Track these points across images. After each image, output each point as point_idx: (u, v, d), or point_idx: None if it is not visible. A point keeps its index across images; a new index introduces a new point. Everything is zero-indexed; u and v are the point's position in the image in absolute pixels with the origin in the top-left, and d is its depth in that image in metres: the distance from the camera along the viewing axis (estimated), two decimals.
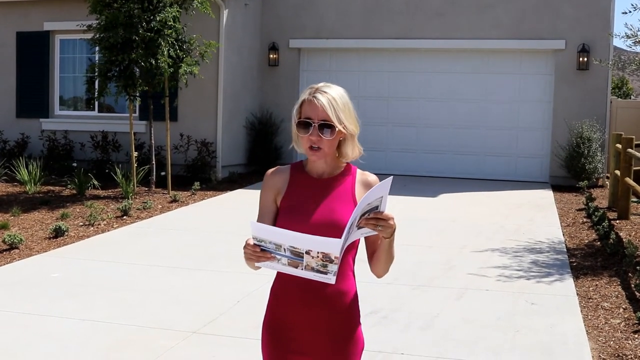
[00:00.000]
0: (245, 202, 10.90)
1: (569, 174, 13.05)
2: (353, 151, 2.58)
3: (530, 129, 13.86)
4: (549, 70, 13.66)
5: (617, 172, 10.30)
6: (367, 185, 2.58)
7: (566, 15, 13.32)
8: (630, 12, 8.69)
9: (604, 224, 8.69)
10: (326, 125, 2.46)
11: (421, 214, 10.13)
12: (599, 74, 13.02)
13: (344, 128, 2.48)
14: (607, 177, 12.78)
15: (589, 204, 10.31)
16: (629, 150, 9.78)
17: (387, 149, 14.49)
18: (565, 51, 13.35)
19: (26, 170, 11.53)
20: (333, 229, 2.43)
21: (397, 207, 10.51)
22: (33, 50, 14.20)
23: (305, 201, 2.54)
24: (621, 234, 8.65)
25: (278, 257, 2.26)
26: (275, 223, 2.56)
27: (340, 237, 2.23)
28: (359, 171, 2.64)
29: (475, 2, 13.71)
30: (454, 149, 14.18)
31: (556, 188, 12.84)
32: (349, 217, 2.30)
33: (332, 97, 2.48)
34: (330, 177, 2.59)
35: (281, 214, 2.56)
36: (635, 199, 10.38)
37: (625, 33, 8.50)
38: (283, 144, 14.41)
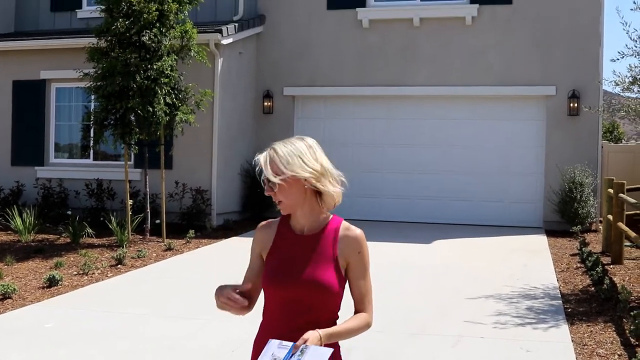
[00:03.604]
0: (239, 250, 10.89)
1: (562, 219, 13.12)
2: (328, 197, 2.57)
3: (523, 174, 13.96)
4: (540, 115, 13.82)
5: (610, 216, 10.36)
6: (349, 242, 2.58)
7: (556, 61, 13.53)
8: (617, 59, 8.84)
9: (597, 269, 8.71)
10: (269, 180, 2.52)
11: (415, 261, 10.14)
12: (590, 119, 13.18)
13: (290, 177, 2.49)
14: (601, 222, 12.84)
15: (583, 249, 10.34)
16: (621, 195, 9.86)
17: (382, 196, 14.55)
18: (556, 97, 13.53)
19: (20, 219, 11.53)
20: (314, 291, 2.49)
21: (391, 253, 10.53)
22: (29, 98, 14.33)
23: (286, 261, 2.57)
24: (615, 279, 8.67)
25: None
26: (260, 278, 2.64)
27: (321, 299, 2.40)
28: (343, 225, 2.63)
29: (467, 49, 13.93)
30: (447, 195, 14.24)
31: (550, 233, 12.88)
32: (330, 279, 2.39)
33: (273, 150, 2.53)
34: (313, 233, 2.61)
35: (264, 274, 2.62)
36: (628, 243, 10.43)
37: (614, 81, 8.64)
38: None
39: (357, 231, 2.63)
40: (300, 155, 2.52)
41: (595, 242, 11.71)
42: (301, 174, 2.50)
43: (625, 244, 9.97)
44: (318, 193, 2.57)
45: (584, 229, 12.84)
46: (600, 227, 12.53)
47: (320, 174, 2.54)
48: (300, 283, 2.51)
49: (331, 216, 2.66)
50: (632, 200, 9.34)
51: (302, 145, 2.55)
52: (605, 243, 10.71)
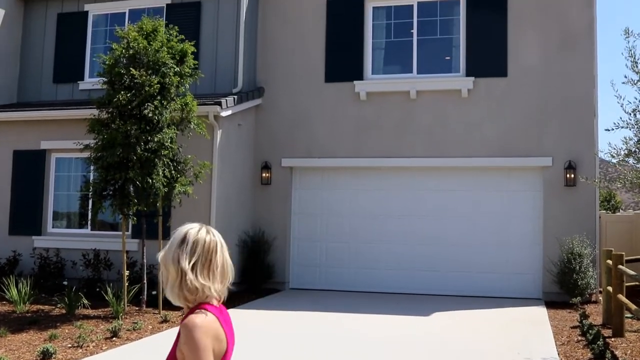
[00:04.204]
0: (236, 323, 10.78)
1: (561, 290, 13.03)
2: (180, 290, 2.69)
3: (521, 245, 13.93)
4: (537, 186, 13.89)
5: (610, 288, 10.29)
6: (181, 334, 2.61)
7: (552, 132, 13.68)
8: (612, 129, 8.95)
9: (599, 342, 8.60)
10: None
11: (414, 334, 10.01)
12: (587, 189, 13.24)
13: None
14: (600, 292, 12.74)
15: (583, 321, 10.24)
16: (620, 267, 9.82)
17: (380, 267, 14.48)
18: (552, 168, 13.63)
19: (16, 289, 11.43)
20: None
21: (389, 327, 10.42)
22: (29, 168, 14.41)
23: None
24: (617, 352, 8.55)
25: None
26: None
27: None
28: (190, 315, 2.66)
29: (463, 121, 14.10)
30: (446, 266, 14.18)
31: (549, 304, 12.77)
32: None
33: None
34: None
35: None
36: (629, 315, 10.33)
37: (610, 152, 8.73)
38: (275, 262, 14.45)
39: (187, 321, 2.61)
40: (171, 248, 2.77)
41: (595, 314, 11.60)
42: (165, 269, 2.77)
43: (626, 315, 9.88)
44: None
45: (584, 301, 12.74)
46: (601, 298, 12.43)
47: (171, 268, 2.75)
48: None
49: (197, 306, 2.70)
50: (632, 273, 9.30)
51: (176, 241, 2.76)
52: (606, 315, 10.61)
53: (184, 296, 2.68)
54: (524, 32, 14.00)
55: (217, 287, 2.71)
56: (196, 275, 2.65)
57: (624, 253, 10.32)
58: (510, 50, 14.00)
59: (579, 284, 12.72)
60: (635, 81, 8.34)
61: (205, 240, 2.71)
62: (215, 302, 2.72)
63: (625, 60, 8.71)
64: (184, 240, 2.70)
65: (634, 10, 38.19)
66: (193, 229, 2.73)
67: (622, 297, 9.53)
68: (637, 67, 8.46)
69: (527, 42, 13.96)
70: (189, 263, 2.66)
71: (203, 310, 2.64)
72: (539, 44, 13.92)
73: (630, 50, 8.36)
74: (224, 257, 2.75)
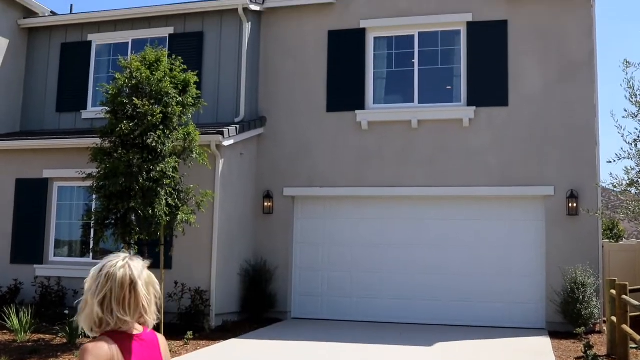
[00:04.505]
0: (237, 353, 10.72)
1: (565, 320, 12.94)
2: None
3: (524, 274, 13.87)
4: (539, 215, 13.86)
5: (614, 318, 10.23)
6: None
7: (554, 162, 13.70)
8: (614, 161, 8.99)
9: None
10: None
11: None
12: (590, 218, 13.19)
13: None
14: (605, 322, 12.66)
15: (588, 352, 10.16)
16: (624, 296, 9.77)
17: (382, 297, 14.41)
18: (554, 197, 13.61)
19: (17, 318, 11.39)
20: None
21: (391, 358, 10.34)
22: (31, 196, 14.43)
23: None
24: None
25: None
26: None
27: None
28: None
29: (464, 150, 14.13)
30: (448, 296, 14.11)
31: (553, 334, 12.67)
32: None
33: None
34: None
35: None
36: (634, 346, 10.26)
37: (612, 183, 8.74)
38: (277, 292, 14.40)
39: (83, 345, 2.76)
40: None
41: (600, 344, 11.52)
42: None
43: (630, 346, 9.81)
44: None
45: (588, 331, 12.66)
46: (605, 328, 12.35)
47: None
48: None
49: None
50: (636, 303, 9.25)
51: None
52: (610, 345, 10.54)
53: (90, 326, 2.79)
54: (524, 61, 14.08)
55: (129, 320, 2.80)
56: (105, 309, 2.76)
57: (627, 283, 10.28)
58: (511, 80, 14.08)
59: (583, 313, 12.64)
60: (635, 113, 8.38)
61: (118, 274, 2.80)
62: (134, 331, 2.83)
63: (624, 91, 8.76)
64: (99, 272, 2.82)
65: (635, 38, 38.47)
66: (111, 262, 2.84)
67: (626, 328, 9.48)
68: (636, 98, 8.50)
69: (528, 71, 14.04)
70: (98, 296, 2.77)
71: (103, 337, 2.76)
72: (539, 74, 14.00)
73: (629, 82, 8.41)
74: (138, 292, 2.81)
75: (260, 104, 15.32)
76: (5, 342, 11.11)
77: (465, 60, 14.40)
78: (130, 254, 2.94)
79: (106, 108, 11.49)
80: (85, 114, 15.76)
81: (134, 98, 11.01)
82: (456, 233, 14.23)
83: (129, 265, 2.84)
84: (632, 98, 8.61)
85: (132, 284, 2.80)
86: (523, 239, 13.95)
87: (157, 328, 11.39)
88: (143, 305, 2.81)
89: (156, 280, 2.93)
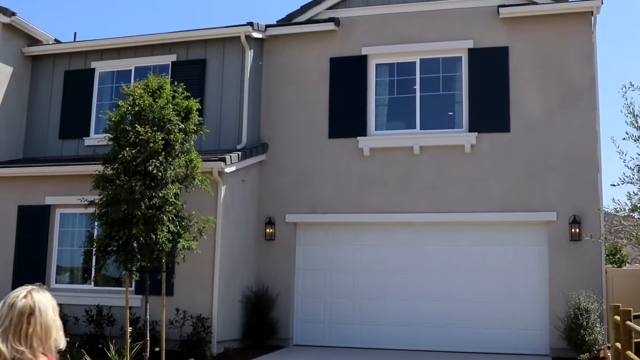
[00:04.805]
0: None
1: (569, 346, 12.85)
2: None
3: (527, 300, 13.79)
4: (542, 241, 13.81)
5: (618, 344, 10.15)
6: None
7: (556, 187, 13.69)
8: (618, 184, 8.98)
9: None
10: None
11: None
12: (593, 244, 13.13)
13: None
14: (609, 348, 12.57)
15: None
16: (628, 322, 9.70)
17: (384, 323, 14.32)
18: (557, 222, 13.58)
19: None
20: None
21: None
22: (33, 223, 14.42)
23: None
24: None
25: None
26: None
27: None
28: None
29: (466, 176, 14.13)
30: (451, 322, 14.03)
31: None
32: None
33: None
34: None
35: None
36: None
37: (615, 208, 8.73)
38: (279, 318, 14.32)
39: None
40: None
41: None
42: None
43: None
44: None
45: (592, 357, 12.56)
46: (609, 354, 12.25)
47: None
48: None
49: None
50: None
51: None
52: None
53: None
54: (526, 87, 14.14)
55: (24, 349, 2.79)
56: (3, 339, 2.77)
57: (631, 309, 10.20)
58: (512, 106, 14.12)
59: (587, 339, 12.55)
60: (637, 137, 8.39)
61: (18, 305, 2.82)
62: (42, 358, 2.84)
63: (624, 116, 8.78)
64: (4, 303, 2.85)
65: (635, 63, 38.62)
66: (14, 293, 2.87)
67: (631, 354, 9.39)
68: (637, 122, 8.52)
69: (529, 97, 14.09)
70: (0, 327, 2.80)
71: None
72: (540, 100, 14.04)
73: (629, 107, 8.44)
74: (40, 322, 2.83)
75: (262, 131, 15.36)
76: None
77: (467, 87, 14.46)
78: (39, 286, 2.96)
79: (109, 135, 11.53)
80: (87, 141, 15.81)
81: (136, 125, 11.04)
82: (459, 259, 14.18)
83: (31, 295, 2.87)
84: (633, 123, 8.63)
85: (31, 314, 2.82)
86: (526, 264, 13.89)
87: (158, 356, 11.35)
88: (39, 336, 2.83)
89: (57, 308, 2.96)
